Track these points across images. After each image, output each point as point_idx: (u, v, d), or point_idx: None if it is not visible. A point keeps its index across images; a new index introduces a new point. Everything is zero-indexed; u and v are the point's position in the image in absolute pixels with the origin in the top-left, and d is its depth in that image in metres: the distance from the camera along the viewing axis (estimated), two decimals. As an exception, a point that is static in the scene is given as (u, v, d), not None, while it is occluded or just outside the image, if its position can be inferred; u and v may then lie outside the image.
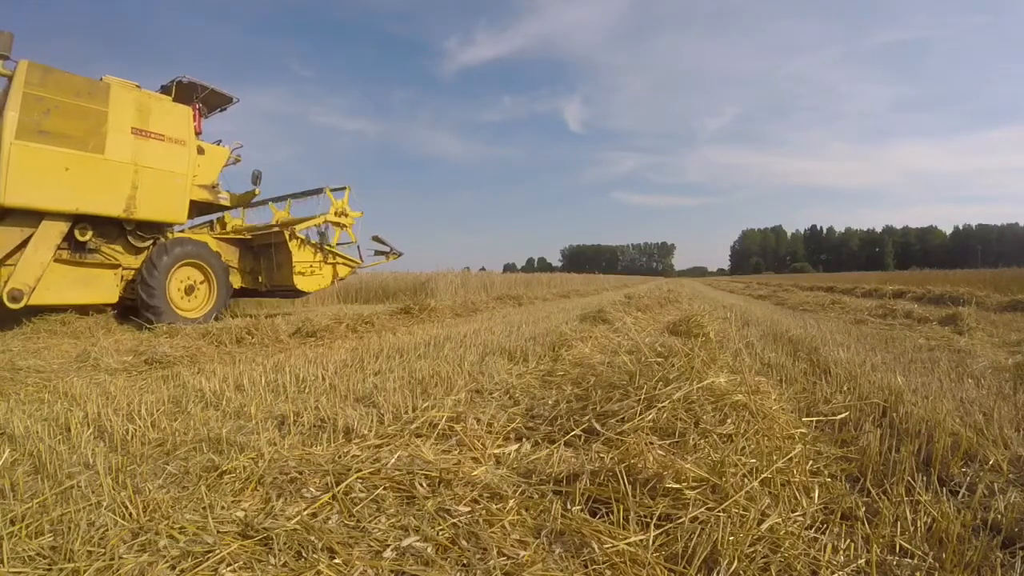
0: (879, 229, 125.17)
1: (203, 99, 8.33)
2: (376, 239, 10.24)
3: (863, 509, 1.62)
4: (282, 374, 3.54)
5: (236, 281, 8.69)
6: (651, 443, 1.89)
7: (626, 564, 1.32)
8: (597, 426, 2.21)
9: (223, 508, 1.59)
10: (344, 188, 9.35)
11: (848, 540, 1.45)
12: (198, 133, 8.01)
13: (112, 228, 7.08)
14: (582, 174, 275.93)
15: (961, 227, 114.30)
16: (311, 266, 8.73)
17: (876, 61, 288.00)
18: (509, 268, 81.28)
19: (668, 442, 1.99)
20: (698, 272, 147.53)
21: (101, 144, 6.67)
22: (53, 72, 6.46)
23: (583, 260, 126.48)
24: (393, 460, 1.83)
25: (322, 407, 2.67)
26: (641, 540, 1.41)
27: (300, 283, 8.60)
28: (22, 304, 6.25)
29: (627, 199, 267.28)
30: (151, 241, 7.49)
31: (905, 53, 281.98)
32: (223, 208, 8.83)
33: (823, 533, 1.49)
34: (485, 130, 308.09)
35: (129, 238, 7.25)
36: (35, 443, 2.13)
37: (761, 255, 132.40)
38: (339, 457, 1.91)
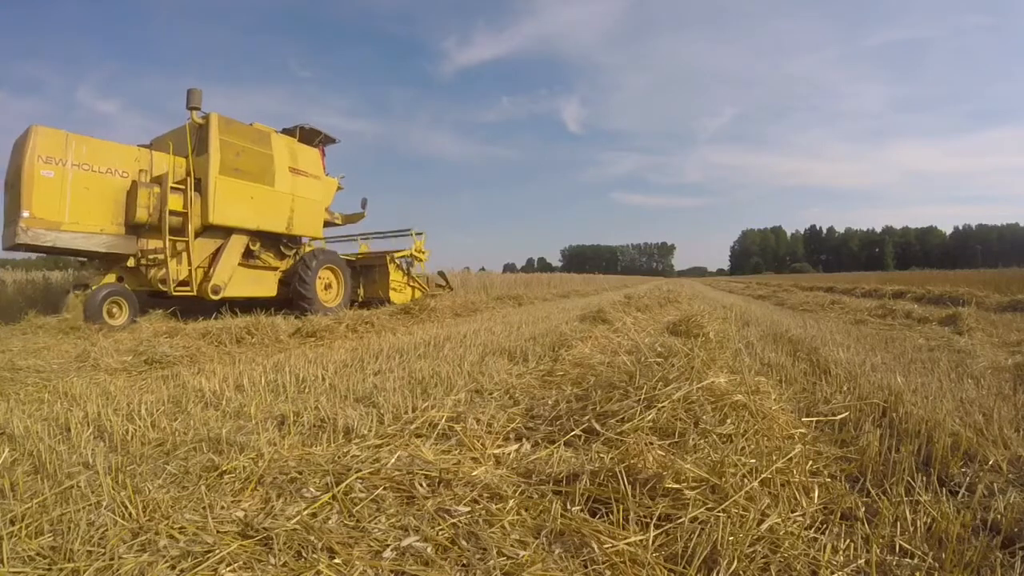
0: (879, 229, 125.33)
1: (320, 140, 10.47)
2: (440, 274, 13.52)
3: (863, 509, 1.62)
4: (282, 374, 3.54)
5: None
6: (651, 443, 1.89)
7: (626, 564, 1.32)
8: (597, 426, 2.21)
9: (223, 508, 1.59)
10: (412, 230, 11.96)
11: (848, 540, 1.45)
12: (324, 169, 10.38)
13: (269, 241, 9.24)
14: (581, 174, 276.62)
15: (961, 227, 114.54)
16: (400, 285, 11.30)
17: (876, 61, 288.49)
18: (509, 268, 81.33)
19: (668, 442, 1.99)
20: (698, 272, 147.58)
21: (272, 179, 8.91)
22: (233, 122, 8.46)
23: (583, 260, 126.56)
24: (393, 460, 1.83)
25: (322, 407, 2.67)
26: (641, 540, 1.41)
27: (393, 296, 10.96)
28: (220, 296, 8.24)
29: (626, 199, 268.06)
30: (294, 251, 9.70)
31: (905, 53, 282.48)
32: (337, 226, 11.22)
33: (823, 533, 1.49)
34: (484, 130, 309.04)
35: (281, 248, 9.45)
36: (35, 443, 2.13)
37: (761, 255, 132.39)
38: (339, 457, 1.91)
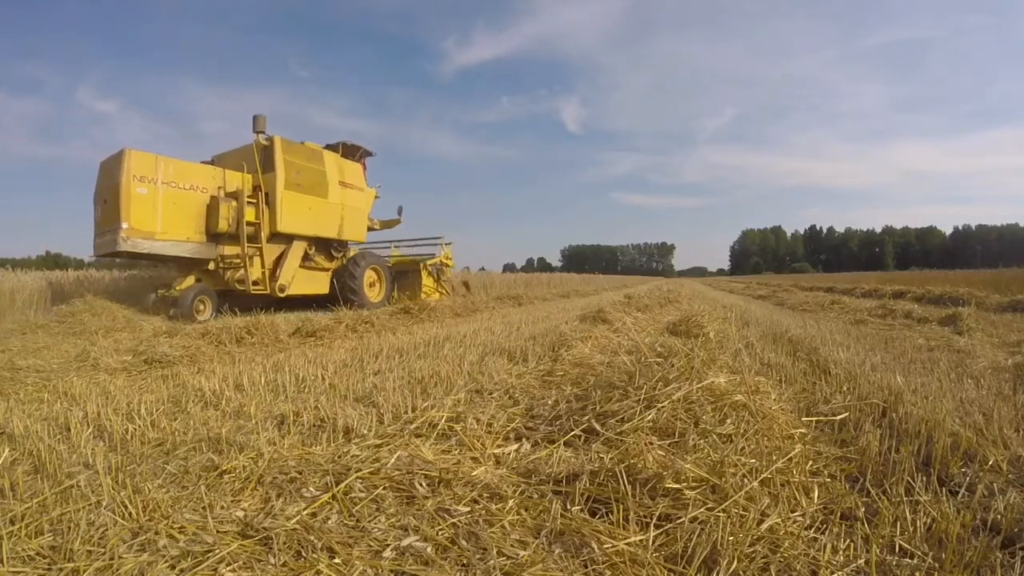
0: (879, 229, 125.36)
1: (361, 155, 11.78)
2: (464, 283, 14.81)
3: (863, 509, 1.62)
4: (282, 374, 3.54)
5: None
6: (651, 443, 1.89)
7: (626, 564, 1.32)
8: (597, 426, 2.20)
9: (223, 508, 1.59)
10: (442, 239, 13.38)
11: (848, 540, 1.45)
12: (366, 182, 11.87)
13: (321, 245, 10.58)
14: (581, 174, 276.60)
15: (961, 227, 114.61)
16: (430, 289, 12.43)
17: (876, 61, 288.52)
18: (509, 268, 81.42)
19: (668, 442, 1.99)
20: (698, 272, 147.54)
21: (325, 192, 10.27)
22: (291, 143, 9.78)
23: (583, 260, 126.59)
24: (393, 460, 1.83)
25: (322, 407, 2.67)
26: (641, 540, 1.41)
27: (422, 297, 11.70)
28: (285, 294, 9.60)
29: (626, 199, 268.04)
30: (342, 253, 11.07)
31: (905, 53, 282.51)
32: (376, 231, 12.54)
33: (823, 533, 1.49)
34: (484, 130, 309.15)
35: (331, 251, 10.84)
36: (35, 443, 2.13)
37: (761, 255, 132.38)
38: (339, 457, 1.90)
